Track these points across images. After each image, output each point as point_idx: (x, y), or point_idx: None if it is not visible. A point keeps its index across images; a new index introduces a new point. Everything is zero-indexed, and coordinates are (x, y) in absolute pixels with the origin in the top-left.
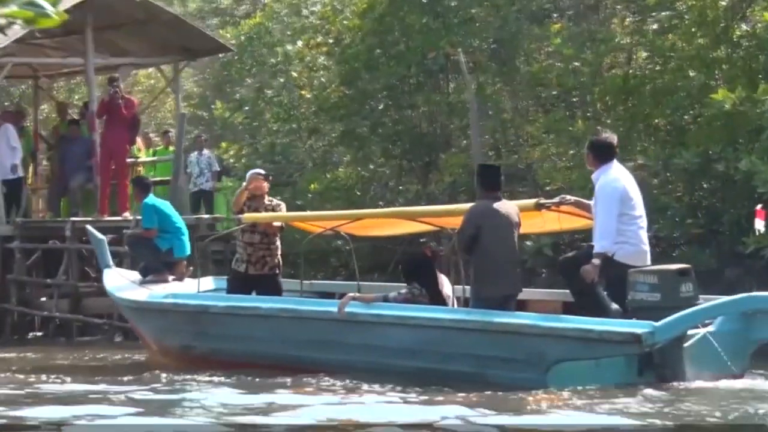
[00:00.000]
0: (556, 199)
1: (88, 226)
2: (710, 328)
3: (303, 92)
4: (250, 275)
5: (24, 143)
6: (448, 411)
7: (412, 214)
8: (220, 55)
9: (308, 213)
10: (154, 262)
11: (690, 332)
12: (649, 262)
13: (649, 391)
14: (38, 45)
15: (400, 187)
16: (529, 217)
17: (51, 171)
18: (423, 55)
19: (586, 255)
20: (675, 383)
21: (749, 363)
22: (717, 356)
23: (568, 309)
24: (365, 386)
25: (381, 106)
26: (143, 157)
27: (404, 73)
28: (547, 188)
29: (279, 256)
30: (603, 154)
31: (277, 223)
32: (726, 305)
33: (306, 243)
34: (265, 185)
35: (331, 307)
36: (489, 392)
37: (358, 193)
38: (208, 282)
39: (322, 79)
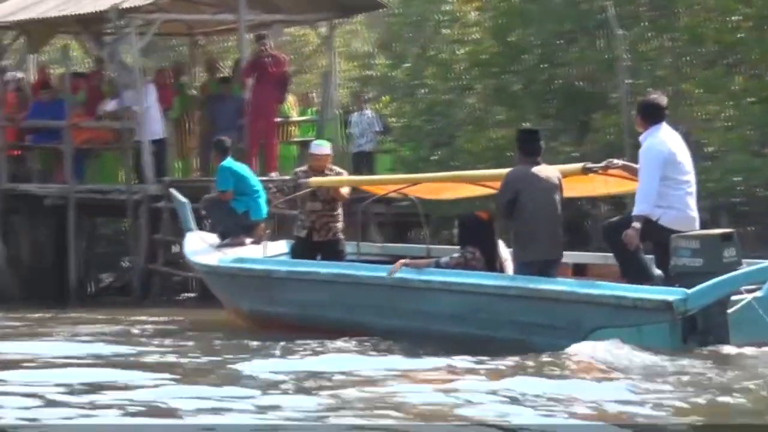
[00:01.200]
0: (603, 163)
1: (172, 189)
2: (757, 294)
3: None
4: (314, 242)
5: (179, 101)
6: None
7: (473, 177)
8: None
9: (371, 177)
10: (231, 225)
11: (735, 298)
12: (697, 227)
13: (688, 361)
14: (192, 1)
15: (553, 147)
16: (578, 181)
17: (201, 130)
18: (578, 8)
19: (629, 221)
20: (719, 350)
21: None
22: (763, 323)
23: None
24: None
25: (534, 63)
26: (295, 116)
27: (558, 28)
28: (706, 149)
29: (341, 222)
30: (651, 115)
31: (344, 191)
32: (762, 271)
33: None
34: (327, 161)
35: (385, 272)
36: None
37: (509, 155)
38: (280, 246)
39: (476, 35)
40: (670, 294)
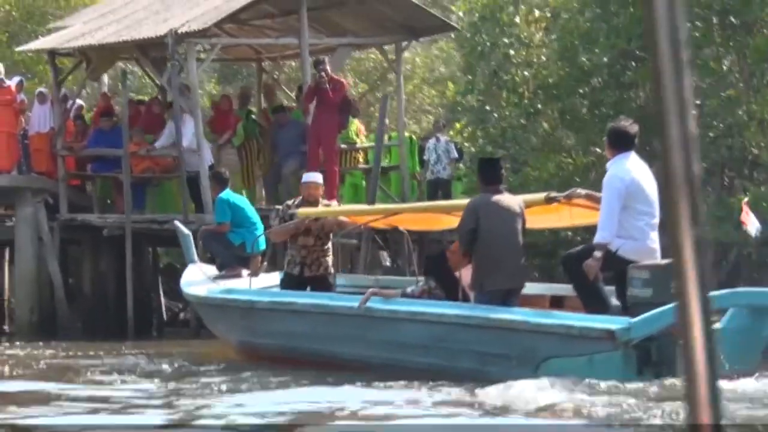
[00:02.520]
0: (567, 192)
1: (175, 221)
2: (716, 325)
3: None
4: (306, 277)
5: (243, 128)
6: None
7: (449, 207)
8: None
9: (357, 207)
10: (227, 257)
11: None
12: (657, 258)
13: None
14: (258, 26)
15: None
16: (544, 212)
17: (265, 157)
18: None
19: (589, 250)
20: (670, 382)
21: (760, 361)
22: (723, 353)
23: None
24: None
25: (601, 84)
26: (361, 143)
27: (624, 46)
28: None
29: (331, 257)
30: (618, 142)
31: (345, 220)
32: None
33: None
34: (320, 190)
35: (356, 303)
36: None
37: (578, 180)
38: (274, 278)
39: (542, 57)
40: (614, 323)
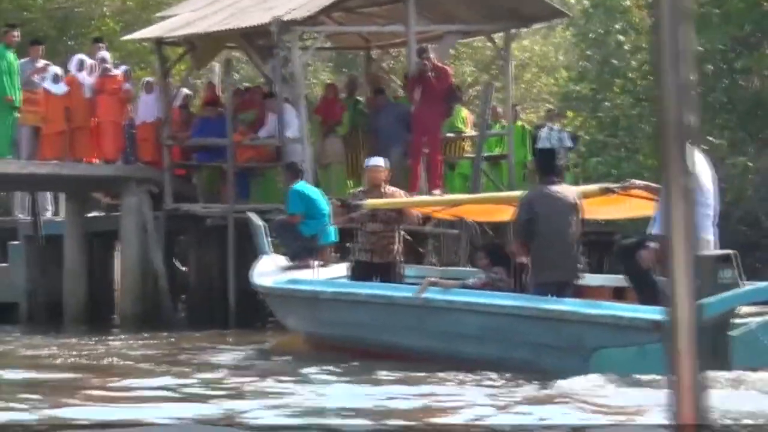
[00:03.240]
0: (624, 184)
1: (249, 213)
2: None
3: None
4: (374, 264)
5: (349, 117)
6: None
7: (508, 199)
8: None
9: (422, 198)
10: (298, 248)
11: (741, 321)
12: (712, 250)
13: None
14: (367, 14)
15: (729, 162)
16: (601, 203)
17: (368, 145)
18: (758, 11)
19: (644, 242)
20: (719, 373)
21: None
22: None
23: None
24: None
25: (714, 71)
26: (469, 131)
27: (737, 33)
28: None
29: (400, 244)
30: None
31: (415, 213)
32: (752, 292)
33: None
34: (382, 175)
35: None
36: None
37: None
38: (341, 268)
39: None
40: (660, 313)
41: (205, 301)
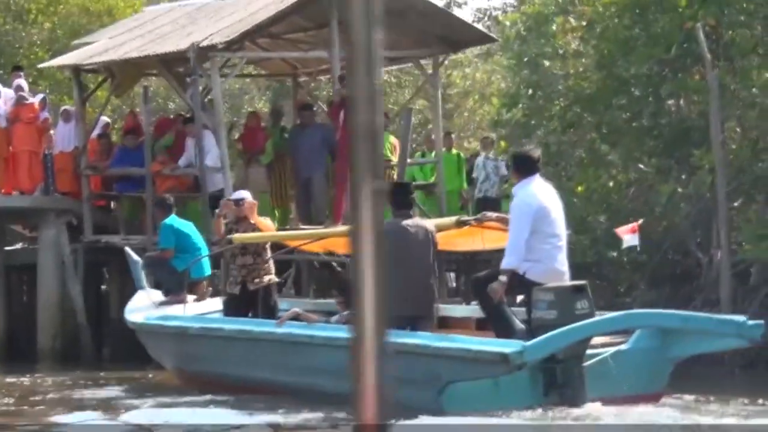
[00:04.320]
0: (478, 216)
1: (126, 248)
2: (622, 347)
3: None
4: (249, 291)
5: (272, 145)
6: None
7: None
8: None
9: (291, 232)
10: (171, 283)
11: (596, 351)
12: (566, 281)
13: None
14: (292, 40)
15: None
16: (457, 236)
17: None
18: (683, 33)
19: (496, 274)
20: (572, 406)
21: (667, 383)
22: (627, 375)
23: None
24: None
25: (639, 95)
26: (394, 159)
27: (663, 55)
28: None
29: (272, 271)
30: (523, 167)
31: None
32: (597, 324)
33: None
34: (244, 208)
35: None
36: None
37: (615, 197)
38: (215, 303)
39: (580, 69)
40: (508, 346)
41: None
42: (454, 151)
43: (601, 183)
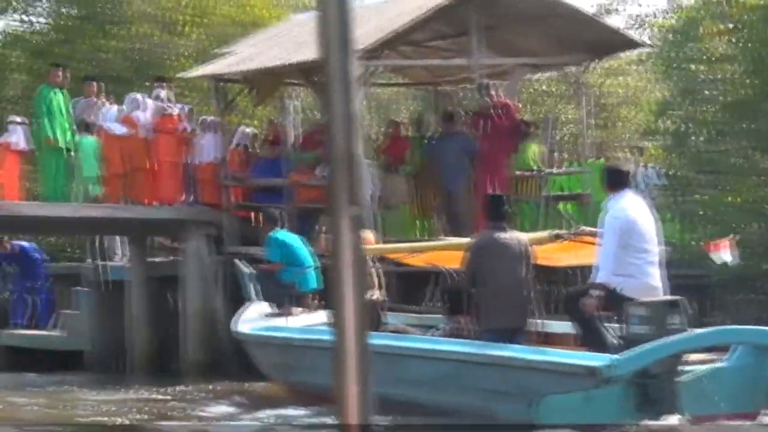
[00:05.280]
0: (573, 230)
1: (237, 260)
2: (718, 364)
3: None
4: None
5: (415, 155)
6: None
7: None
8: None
9: (389, 246)
10: (278, 296)
11: (692, 367)
12: (660, 295)
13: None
14: (433, 48)
15: None
16: (554, 250)
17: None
18: None
19: (588, 290)
20: (668, 421)
21: (765, 401)
22: (723, 393)
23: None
24: None
25: None
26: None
27: None
28: None
29: (377, 288)
30: (614, 181)
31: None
32: (690, 339)
33: None
34: None
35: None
36: None
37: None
38: (321, 315)
39: (728, 74)
40: (596, 360)
41: None
42: (602, 160)
43: (756, 192)
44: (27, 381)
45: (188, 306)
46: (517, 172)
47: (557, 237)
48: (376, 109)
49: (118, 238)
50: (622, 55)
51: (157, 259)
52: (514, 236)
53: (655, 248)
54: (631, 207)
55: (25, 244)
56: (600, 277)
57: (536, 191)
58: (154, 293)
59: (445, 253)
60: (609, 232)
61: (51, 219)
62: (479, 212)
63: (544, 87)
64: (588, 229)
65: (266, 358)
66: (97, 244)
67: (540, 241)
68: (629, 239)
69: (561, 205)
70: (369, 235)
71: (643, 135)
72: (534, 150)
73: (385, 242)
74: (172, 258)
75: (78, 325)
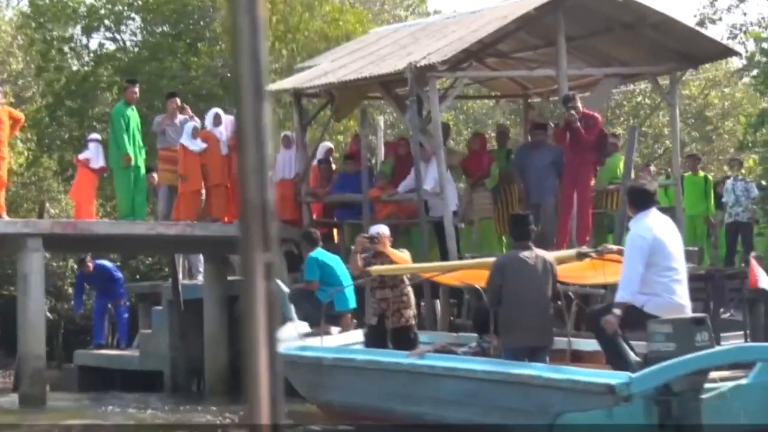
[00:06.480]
0: (599, 248)
1: (276, 279)
2: (741, 381)
3: None
4: (386, 328)
5: (498, 169)
6: None
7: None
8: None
9: (423, 264)
10: (316, 315)
11: (715, 384)
12: (686, 313)
13: None
14: (522, 59)
15: None
16: (579, 269)
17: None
18: None
19: (610, 308)
20: None
21: None
22: (747, 410)
23: None
24: None
25: None
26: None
27: None
28: None
29: (412, 307)
30: (639, 200)
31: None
32: (710, 357)
33: None
34: (385, 240)
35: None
36: None
37: None
38: (357, 335)
39: None
40: (614, 378)
41: None
42: (701, 173)
43: None
44: (104, 401)
45: None
46: (610, 186)
47: (582, 255)
48: (464, 122)
49: (201, 256)
50: (724, 65)
51: (234, 278)
52: (539, 255)
53: (681, 266)
54: (657, 225)
55: (106, 263)
56: (622, 296)
57: (622, 204)
58: (231, 312)
59: (478, 272)
60: (633, 250)
61: (125, 237)
62: (562, 226)
63: (639, 99)
64: (614, 247)
65: (300, 378)
66: (178, 262)
67: (566, 260)
68: (655, 258)
69: None
70: (404, 254)
71: (738, 148)
72: (621, 162)
73: (460, 259)
74: None
75: (155, 344)
